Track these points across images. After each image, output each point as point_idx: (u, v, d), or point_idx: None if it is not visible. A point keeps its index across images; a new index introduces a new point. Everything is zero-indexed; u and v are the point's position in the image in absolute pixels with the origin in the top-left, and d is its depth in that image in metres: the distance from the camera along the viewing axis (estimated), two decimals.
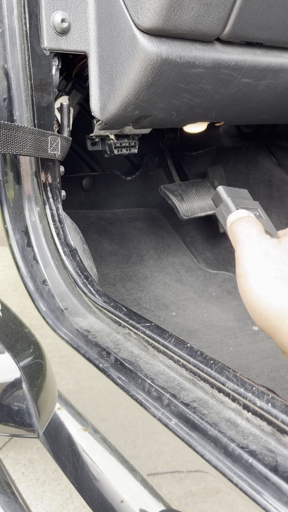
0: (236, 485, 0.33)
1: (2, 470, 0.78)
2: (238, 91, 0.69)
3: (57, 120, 0.62)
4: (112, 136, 0.78)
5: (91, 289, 0.57)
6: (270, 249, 0.41)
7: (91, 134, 0.73)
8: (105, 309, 0.54)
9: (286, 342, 0.38)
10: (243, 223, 0.45)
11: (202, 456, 0.35)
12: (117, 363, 0.46)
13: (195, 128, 1.22)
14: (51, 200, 0.62)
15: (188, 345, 0.44)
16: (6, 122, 0.51)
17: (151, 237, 1.22)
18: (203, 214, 1.12)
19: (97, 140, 0.78)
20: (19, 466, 1.10)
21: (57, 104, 0.62)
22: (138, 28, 0.53)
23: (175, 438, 0.38)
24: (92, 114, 0.62)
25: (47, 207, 0.62)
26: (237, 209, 0.49)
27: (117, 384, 0.44)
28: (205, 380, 0.40)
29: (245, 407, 0.37)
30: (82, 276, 0.59)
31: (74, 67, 0.71)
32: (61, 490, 1.04)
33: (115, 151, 0.79)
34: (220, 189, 0.51)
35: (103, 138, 0.78)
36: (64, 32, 0.55)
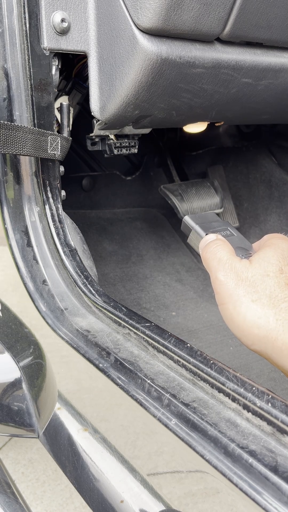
0: (236, 485, 0.33)
1: (2, 470, 0.78)
2: (238, 91, 0.69)
3: (57, 120, 0.62)
4: (112, 136, 0.78)
5: (91, 289, 0.57)
6: (242, 272, 0.41)
7: (91, 134, 0.73)
8: (105, 309, 0.54)
9: (282, 360, 0.38)
10: (212, 248, 0.45)
11: (202, 456, 0.35)
12: (117, 363, 0.46)
13: (195, 128, 1.22)
14: (51, 200, 0.62)
15: (188, 345, 0.44)
16: (6, 122, 0.51)
17: (151, 237, 1.22)
18: (203, 214, 1.12)
19: (97, 140, 0.78)
20: (19, 466, 1.10)
21: (57, 104, 0.62)
22: (138, 28, 0.53)
23: (175, 438, 0.38)
24: (92, 114, 0.62)
25: (47, 207, 0.62)
26: (206, 234, 0.49)
27: (117, 384, 0.44)
28: (205, 380, 0.40)
29: (245, 407, 0.37)
30: (82, 276, 0.59)
31: (74, 67, 0.71)
32: (61, 490, 1.04)
33: (115, 151, 0.79)
34: (187, 218, 0.52)
35: (103, 138, 0.78)
36: (64, 32, 0.55)
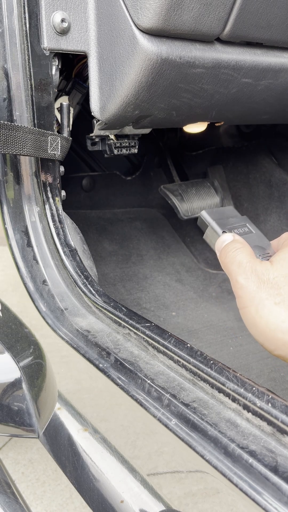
0: (236, 485, 0.33)
1: (2, 470, 0.78)
2: (238, 91, 0.69)
3: (57, 120, 0.62)
4: (112, 136, 0.78)
5: (91, 289, 0.57)
6: (263, 274, 0.40)
7: (91, 134, 0.73)
8: (105, 309, 0.54)
9: None
10: (231, 252, 0.43)
11: (202, 456, 0.35)
12: (117, 363, 0.46)
13: (195, 128, 1.22)
14: (51, 200, 0.62)
15: (188, 345, 0.44)
16: (6, 122, 0.51)
17: (151, 237, 1.22)
18: None
19: (97, 140, 0.78)
20: (19, 466, 1.10)
21: (57, 104, 0.62)
22: (138, 28, 0.53)
23: (175, 438, 0.38)
24: (92, 114, 0.62)
25: (47, 207, 0.62)
26: (223, 231, 0.47)
27: (117, 384, 0.44)
28: (205, 380, 0.40)
29: (245, 407, 0.37)
30: (82, 276, 0.59)
31: (74, 67, 0.71)
32: (61, 490, 1.04)
33: (115, 151, 0.79)
34: (204, 214, 0.50)
35: (103, 138, 0.78)
36: (64, 32, 0.55)
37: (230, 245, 0.44)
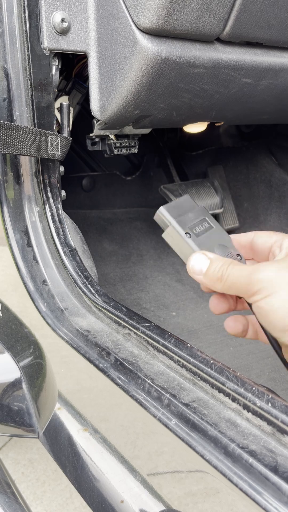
0: (236, 485, 0.33)
1: (2, 470, 0.78)
2: (238, 91, 0.69)
3: (57, 120, 0.62)
4: (112, 136, 0.78)
5: (91, 289, 0.57)
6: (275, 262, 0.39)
7: (91, 134, 0.73)
8: (105, 309, 0.54)
9: None
10: (216, 276, 0.41)
11: (202, 456, 0.35)
12: (117, 363, 0.46)
13: (195, 128, 1.22)
14: (51, 200, 0.62)
15: (188, 345, 0.44)
16: (6, 122, 0.51)
17: (151, 237, 1.22)
18: None
19: (97, 140, 0.78)
20: (19, 466, 1.10)
21: (57, 104, 0.62)
22: (138, 28, 0.53)
23: (175, 438, 0.38)
24: (92, 114, 0.62)
25: (47, 207, 0.62)
26: (186, 232, 0.46)
27: (117, 384, 0.44)
28: (205, 380, 0.40)
29: (245, 407, 0.37)
30: (82, 276, 0.59)
31: (74, 67, 0.71)
32: (61, 490, 1.04)
33: (115, 151, 0.79)
34: (163, 211, 0.48)
35: (103, 138, 0.78)
36: (64, 32, 0.55)
37: (213, 270, 0.42)
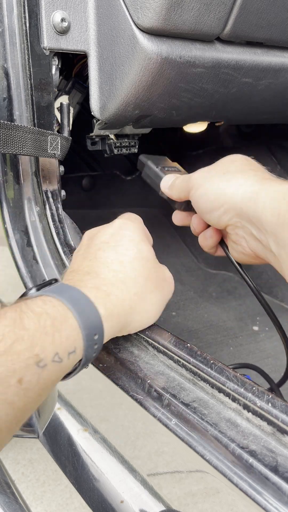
0: (236, 485, 0.33)
1: (2, 470, 0.78)
2: (238, 90, 0.69)
3: (57, 119, 0.62)
4: (112, 136, 0.78)
5: None
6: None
7: (91, 134, 0.73)
8: None
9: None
10: (174, 186, 0.55)
11: (202, 456, 0.35)
12: (117, 363, 0.46)
13: (195, 128, 1.22)
14: (51, 200, 0.62)
15: (188, 345, 0.44)
16: (5, 122, 0.51)
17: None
18: None
19: (97, 140, 0.78)
20: (19, 466, 1.10)
21: (57, 104, 0.62)
22: (138, 27, 0.53)
23: (175, 438, 0.38)
24: (92, 113, 0.62)
25: (47, 207, 0.62)
26: (158, 167, 0.58)
27: (117, 384, 0.44)
28: (205, 380, 0.40)
29: (245, 407, 0.37)
30: None
31: (74, 66, 0.71)
32: (61, 491, 1.04)
33: (115, 151, 0.79)
34: (142, 156, 0.61)
35: (103, 138, 0.78)
36: (64, 31, 0.55)
37: (175, 182, 0.55)
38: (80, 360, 0.37)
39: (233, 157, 0.51)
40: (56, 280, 0.41)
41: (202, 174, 0.50)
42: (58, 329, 0.33)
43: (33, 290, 0.38)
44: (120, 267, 0.42)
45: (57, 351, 0.32)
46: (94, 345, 0.37)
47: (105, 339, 0.39)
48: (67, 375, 0.37)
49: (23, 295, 0.39)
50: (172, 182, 0.55)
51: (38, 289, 0.38)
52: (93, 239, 0.47)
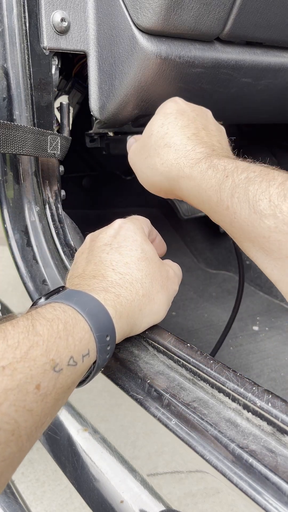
0: (236, 485, 0.33)
1: None
2: (238, 90, 0.69)
3: (56, 119, 0.62)
4: (111, 134, 0.78)
5: None
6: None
7: (90, 131, 0.73)
8: None
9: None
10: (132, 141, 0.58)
11: (202, 456, 0.35)
12: (116, 363, 0.46)
13: None
14: (50, 199, 0.62)
15: (188, 345, 0.44)
16: (5, 122, 0.51)
17: None
18: (203, 214, 1.12)
19: (96, 137, 0.78)
20: (19, 467, 1.10)
21: (56, 104, 0.62)
22: (137, 27, 0.53)
23: (175, 438, 0.38)
24: (91, 113, 0.62)
25: (46, 206, 0.62)
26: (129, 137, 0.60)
27: (116, 384, 0.44)
28: (205, 380, 0.40)
29: (245, 407, 0.37)
30: None
31: (73, 66, 0.71)
32: (61, 491, 1.04)
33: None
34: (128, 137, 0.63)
35: (102, 135, 0.78)
36: (63, 31, 0.55)
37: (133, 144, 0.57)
38: (94, 363, 0.37)
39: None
40: (63, 288, 0.41)
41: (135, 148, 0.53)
42: (70, 333, 0.33)
43: (42, 299, 0.38)
44: (126, 269, 0.42)
45: (71, 354, 0.33)
46: (106, 347, 0.37)
47: (117, 340, 0.40)
48: (82, 382, 0.38)
49: (33, 305, 0.39)
50: (129, 143, 0.59)
51: (46, 298, 0.39)
52: (95, 241, 0.47)
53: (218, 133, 0.51)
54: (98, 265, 0.43)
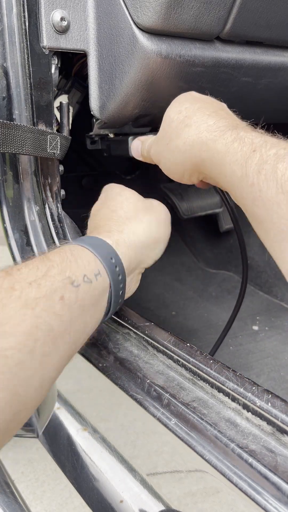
0: (236, 485, 0.33)
1: (2, 470, 0.78)
2: (238, 90, 0.68)
3: (56, 119, 0.62)
4: (111, 135, 0.77)
5: None
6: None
7: (90, 133, 0.73)
8: None
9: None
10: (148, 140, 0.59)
11: (201, 456, 0.35)
12: (116, 363, 0.46)
13: None
14: (50, 199, 0.62)
15: (188, 344, 0.43)
16: (5, 121, 0.51)
17: None
18: (203, 213, 1.12)
19: (96, 139, 0.78)
20: (19, 466, 1.10)
21: (56, 103, 0.62)
22: (137, 27, 0.52)
23: (175, 438, 0.37)
24: (92, 113, 0.62)
25: (46, 206, 0.62)
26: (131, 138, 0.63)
27: (116, 383, 0.44)
28: (204, 380, 0.40)
29: (245, 406, 0.37)
30: None
31: (73, 65, 0.71)
32: (61, 490, 1.04)
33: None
34: (130, 138, 0.66)
35: (103, 137, 0.77)
36: (63, 30, 0.55)
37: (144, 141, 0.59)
38: (110, 288, 0.42)
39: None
40: None
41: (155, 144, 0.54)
42: (79, 257, 0.39)
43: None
44: (117, 216, 0.51)
45: (84, 273, 0.38)
46: (115, 268, 0.43)
47: (126, 265, 0.45)
48: (107, 312, 0.44)
49: None
50: (133, 145, 0.62)
51: None
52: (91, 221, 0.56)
53: (237, 117, 0.50)
54: (96, 228, 0.51)
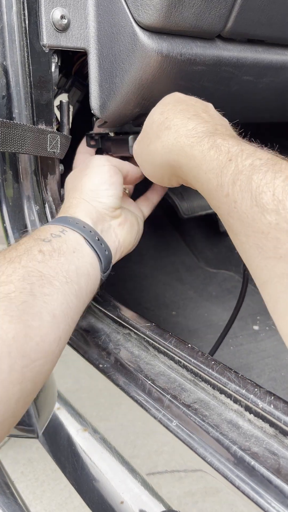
0: (238, 488, 0.32)
1: (1, 470, 0.77)
2: (239, 88, 0.68)
3: (56, 118, 0.62)
4: (112, 134, 0.77)
5: None
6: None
7: (90, 132, 0.72)
8: (105, 309, 0.54)
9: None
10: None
11: (203, 458, 0.35)
12: (117, 364, 0.46)
13: None
14: (50, 198, 0.62)
15: (189, 345, 0.43)
16: (5, 120, 0.50)
17: (151, 237, 1.22)
18: (204, 213, 1.11)
19: (96, 137, 0.78)
20: (19, 466, 1.10)
21: (56, 102, 0.62)
22: (138, 25, 0.52)
23: (176, 440, 0.37)
24: (92, 111, 0.62)
25: (46, 206, 0.62)
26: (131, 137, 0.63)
27: (117, 384, 0.44)
28: (206, 381, 0.40)
29: (247, 408, 0.36)
30: None
31: (73, 64, 0.71)
32: (61, 490, 1.04)
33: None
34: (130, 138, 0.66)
35: (103, 136, 0.77)
36: (63, 29, 0.55)
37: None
38: (84, 238, 0.47)
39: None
40: None
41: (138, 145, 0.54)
42: (42, 228, 0.47)
43: None
44: (67, 191, 0.57)
45: (51, 232, 0.45)
46: (75, 223, 0.48)
47: (87, 220, 0.50)
48: (101, 259, 0.50)
49: None
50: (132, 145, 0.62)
51: None
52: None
53: (220, 118, 0.49)
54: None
